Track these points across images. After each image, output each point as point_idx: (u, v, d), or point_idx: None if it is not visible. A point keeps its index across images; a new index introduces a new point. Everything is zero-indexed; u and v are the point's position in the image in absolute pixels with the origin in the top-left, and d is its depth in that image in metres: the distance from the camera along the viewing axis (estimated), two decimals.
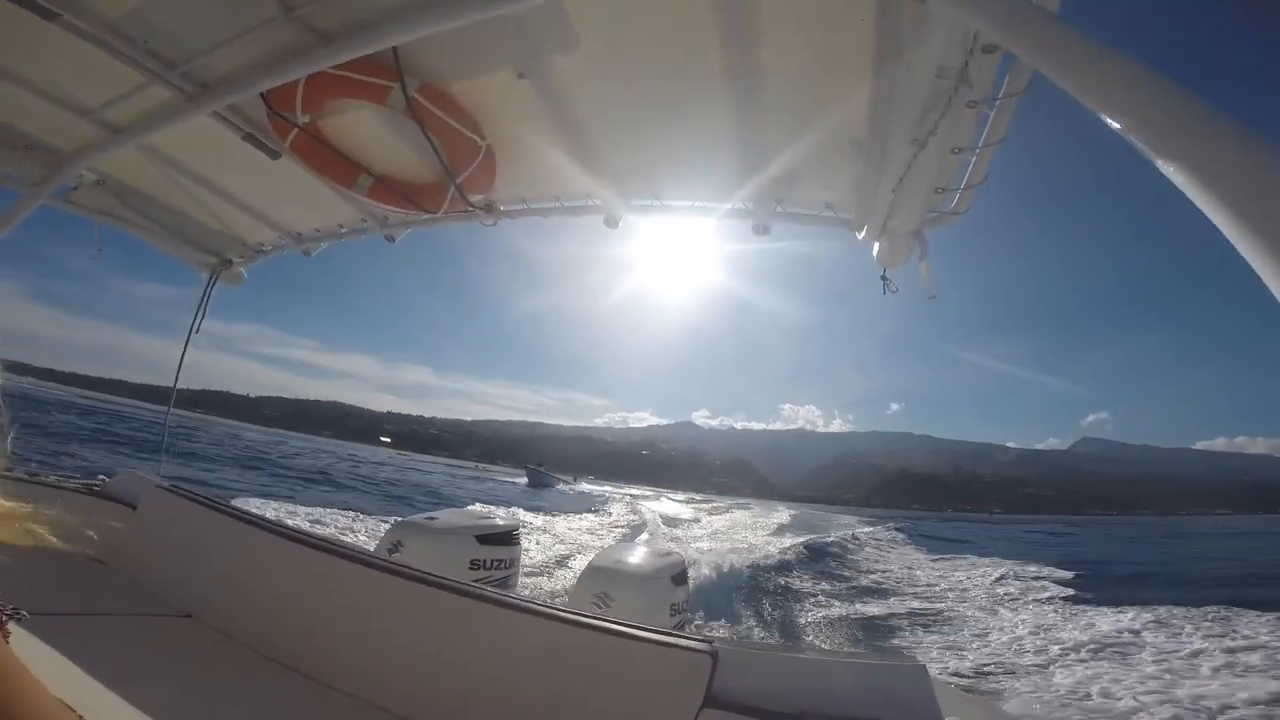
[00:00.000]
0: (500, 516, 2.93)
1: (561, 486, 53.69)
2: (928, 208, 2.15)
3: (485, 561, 2.74)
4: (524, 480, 56.64)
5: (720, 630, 7.27)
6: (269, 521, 2.17)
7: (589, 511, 22.98)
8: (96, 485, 2.52)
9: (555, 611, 1.61)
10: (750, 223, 2.59)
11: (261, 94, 2.17)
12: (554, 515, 18.15)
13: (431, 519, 2.76)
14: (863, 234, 2.37)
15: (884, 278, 2.43)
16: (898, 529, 26.40)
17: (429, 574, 1.77)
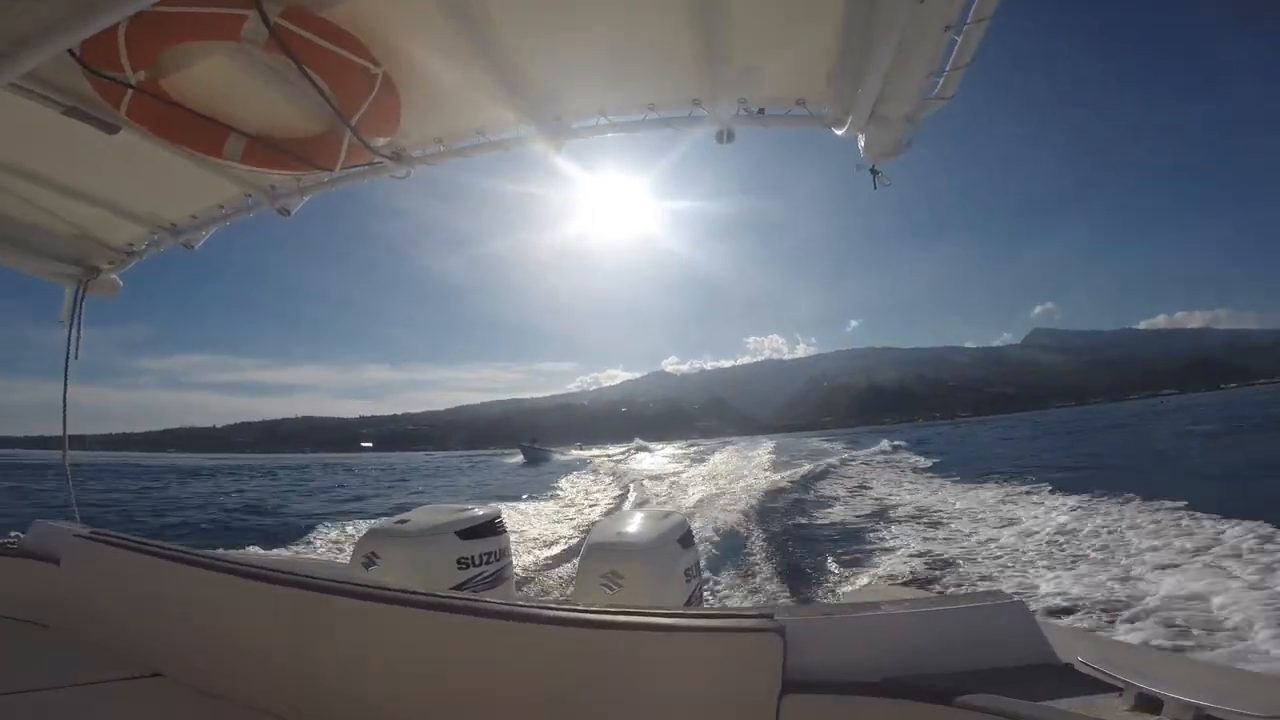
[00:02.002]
0: (477, 506, 2.56)
1: (558, 457, 54.19)
2: (920, 91, 1.95)
3: (474, 558, 2.45)
4: (519, 458, 56.07)
5: (737, 590, 6.92)
6: (219, 558, 1.94)
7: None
8: (11, 544, 2.29)
9: (578, 614, 1.36)
10: (713, 129, 2.29)
11: (71, 51, 1.69)
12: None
13: (403, 521, 2.44)
14: (844, 128, 2.13)
15: (874, 171, 2.24)
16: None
17: (416, 593, 1.54)
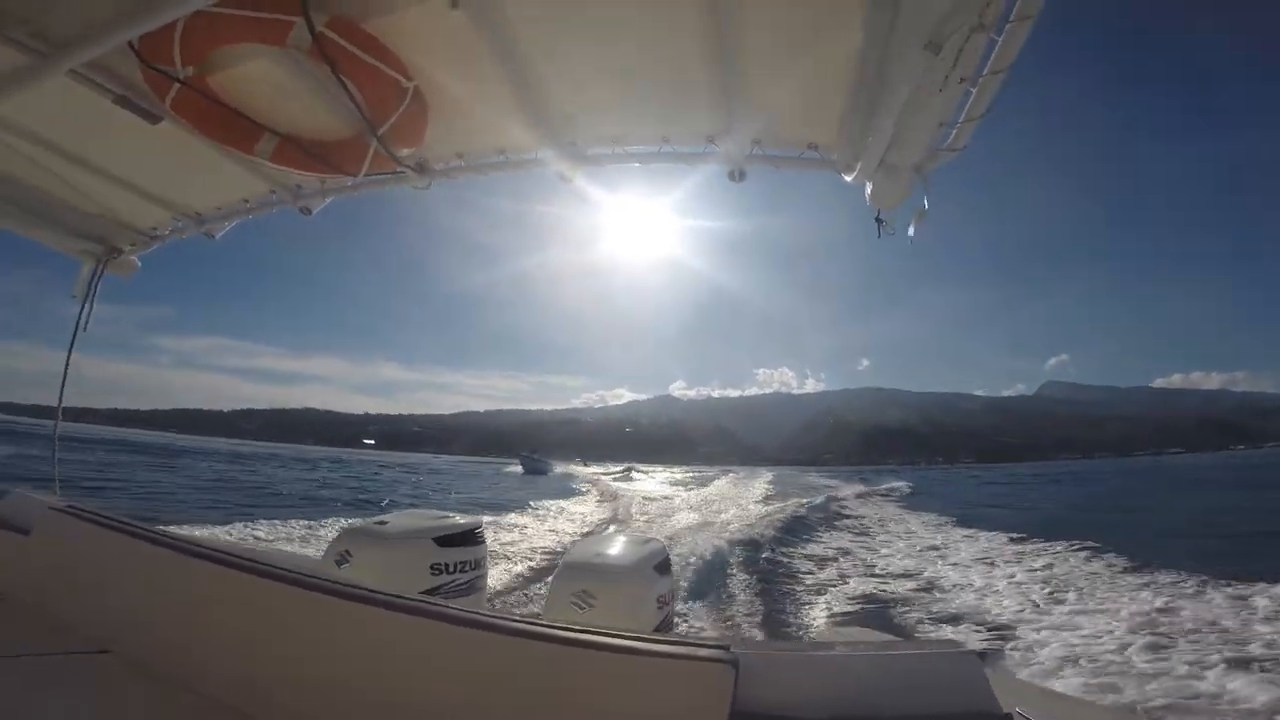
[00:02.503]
0: (459, 515, 2.58)
1: (556, 470, 55.06)
2: (930, 142, 1.97)
3: (448, 565, 2.46)
4: (519, 469, 57.58)
5: (705, 618, 6.96)
6: (189, 541, 1.93)
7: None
8: None
9: (541, 627, 1.37)
10: (725, 168, 2.33)
11: (131, 44, 1.80)
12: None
13: (382, 523, 2.46)
14: (853, 175, 2.18)
15: (879, 219, 2.24)
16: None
17: (382, 593, 1.53)
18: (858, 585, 8.65)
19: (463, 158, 2.49)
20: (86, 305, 3.16)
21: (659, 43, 1.97)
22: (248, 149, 2.17)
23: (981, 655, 1.39)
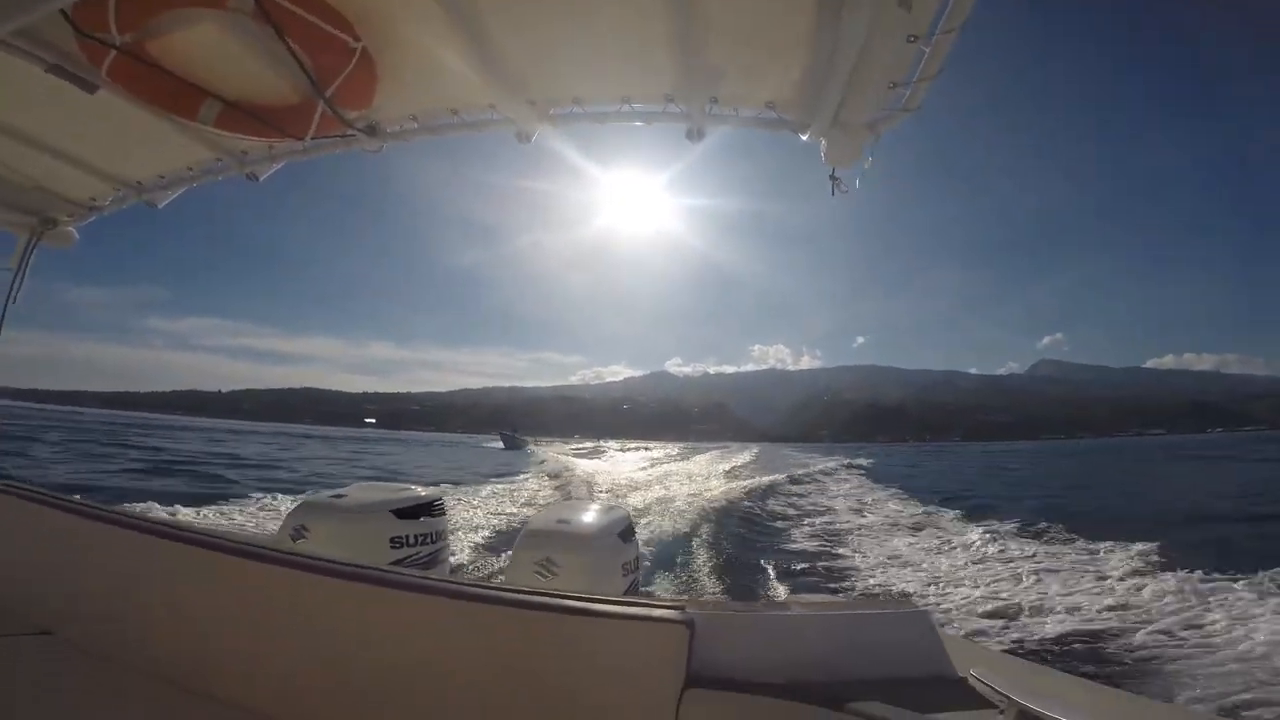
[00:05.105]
0: (420, 487, 2.54)
1: (532, 448, 57.49)
2: (881, 102, 2.00)
3: (408, 538, 2.45)
4: (499, 444, 62.67)
5: (669, 583, 7.16)
6: (136, 518, 1.91)
7: None
8: None
9: (499, 592, 1.37)
10: (684, 127, 2.31)
11: (64, 12, 1.74)
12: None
13: (339, 496, 2.45)
14: (808, 133, 2.20)
15: (833, 177, 2.26)
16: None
17: (337, 561, 1.52)
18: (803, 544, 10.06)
19: (416, 119, 2.46)
20: (18, 278, 3.06)
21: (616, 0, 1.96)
22: (190, 115, 2.13)
23: (934, 619, 1.39)
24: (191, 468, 19.24)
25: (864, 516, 13.15)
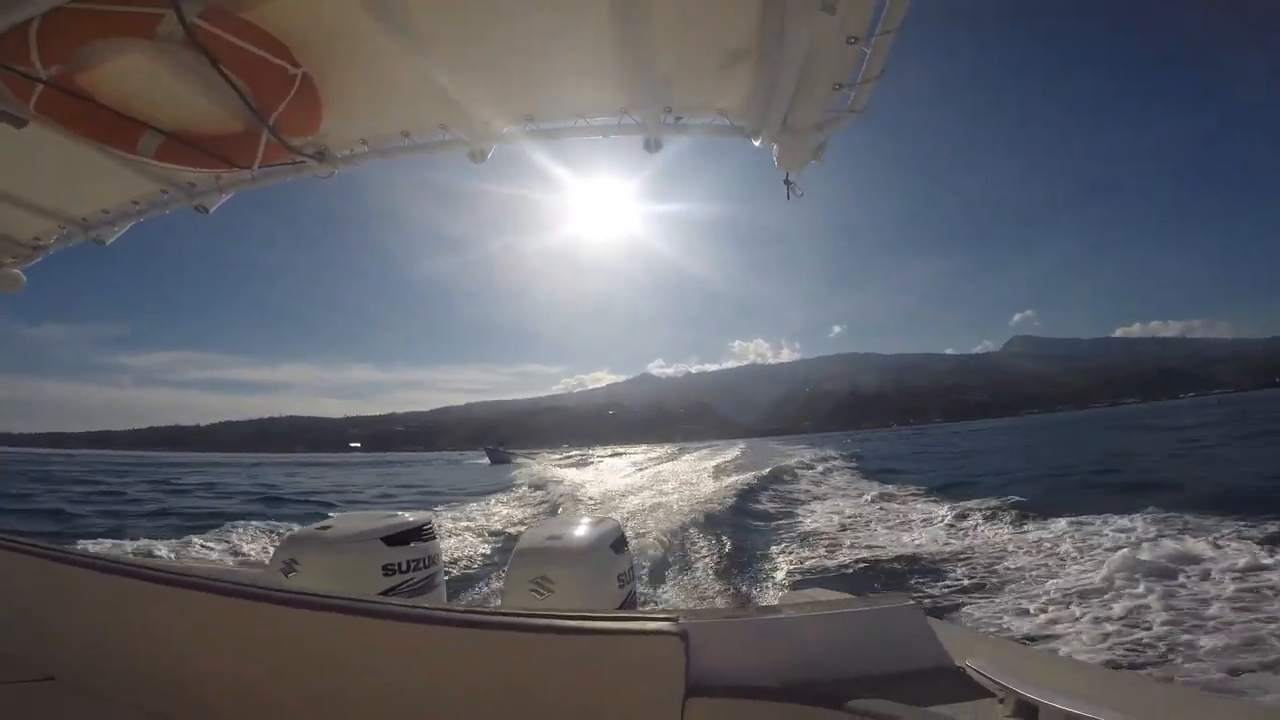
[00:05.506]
0: (408, 513, 2.50)
1: (520, 460, 57.73)
2: (827, 105, 2.04)
3: (400, 564, 2.42)
4: (486, 460, 63.28)
5: (665, 589, 7.14)
6: (126, 563, 1.91)
7: None
8: None
9: (491, 616, 1.38)
10: (640, 139, 2.32)
11: None
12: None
13: (325, 528, 2.38)
14: (760, 140, 2.23)
15: (787, 182, 2.31)
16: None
17: (333, 595, 1.51)
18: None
19: (366, 143, 2.43)
20: None
21: (563, 16, 1.94)
22: (128, 148, 2.08)
23: (928, 610, 1.41)
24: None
25: (848, 504, 13.35)
